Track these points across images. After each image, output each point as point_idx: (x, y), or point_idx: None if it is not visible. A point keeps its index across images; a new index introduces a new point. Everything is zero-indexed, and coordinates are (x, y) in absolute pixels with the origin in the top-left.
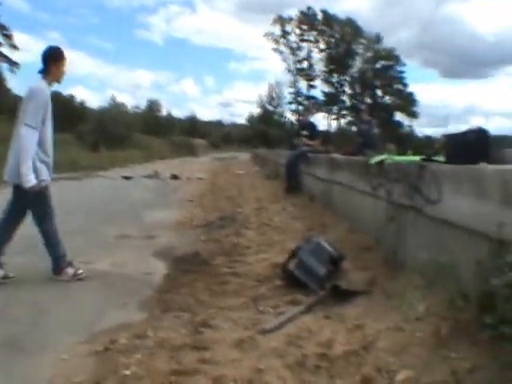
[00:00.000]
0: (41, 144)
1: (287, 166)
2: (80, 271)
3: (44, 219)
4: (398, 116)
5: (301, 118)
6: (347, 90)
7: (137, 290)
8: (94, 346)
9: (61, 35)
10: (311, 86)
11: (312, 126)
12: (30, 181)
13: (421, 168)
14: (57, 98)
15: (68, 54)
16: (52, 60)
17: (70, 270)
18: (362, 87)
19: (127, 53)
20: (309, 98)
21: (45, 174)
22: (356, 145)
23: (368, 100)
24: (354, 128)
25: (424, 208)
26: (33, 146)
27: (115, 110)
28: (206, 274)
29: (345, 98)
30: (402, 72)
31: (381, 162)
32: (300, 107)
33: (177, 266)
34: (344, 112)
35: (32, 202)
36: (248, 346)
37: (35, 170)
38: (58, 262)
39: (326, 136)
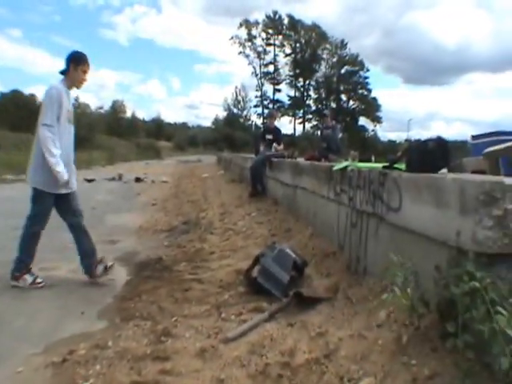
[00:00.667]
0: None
1: (252, 170)
2: (39, 280)
3: (35, 221)
4: (362, 121)
5: (266, 122)
6: (312, 94)
7: (97, 297)
8: (52, 358)
9: (22, 33)
10: (277, 90)
11: (277, 131)
12: (63, 174)
13: (382, 176)
14: (17, 97)
15: (29, 52)
16: (73, 63)
17: (29, 278)
18: (327, 92)
19: (91, 52)
20: (274, 101)
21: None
22: (320, 149)
23: (333, 104)
24: (318, 132)
25: (385, 215)
26: (54, 142)
27: (78, 111)
28: (168, 281)
29: (310, 102)
30: (366, 78)
31: (344, 169)
32: (266, 110)
33: (139, 272)
34: (309, 116)
35: (35, 201)
36: (210, 355)
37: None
38: (21, 266)
39: (290, 140)
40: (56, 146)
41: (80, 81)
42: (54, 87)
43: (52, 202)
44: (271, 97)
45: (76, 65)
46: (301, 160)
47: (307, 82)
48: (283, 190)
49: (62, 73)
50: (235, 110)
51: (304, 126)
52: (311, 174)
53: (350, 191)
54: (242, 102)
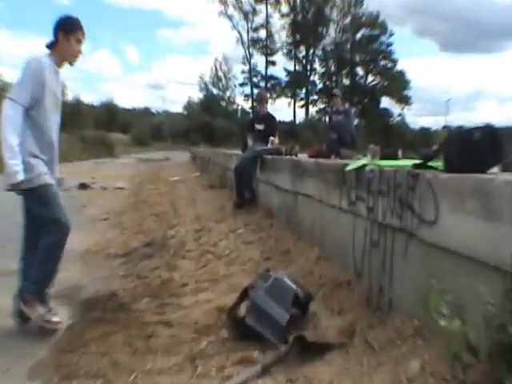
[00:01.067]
0: (34, 135)
1: (238, 172)
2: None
3: (50, 231)
4: (386, 102)
5: (255, 106)
6: (318, 67)
7: (27, 349)
8: None
9: None
10: (271, 63)
11: (270, 119)
12: (16, 171)
13: (413, 177)
14: None
15: None
16: (63, 32)
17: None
18: (337, 64)
19: (19, 14)
20: (267, 78)
21: (41, 169)
22: (328, 142)
23: (345, 81)
24: (326, 119)
25: (417, 230)
26: (16, 123)
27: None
28: (125, 324)
29: (315, 78)
30: (389, 44)
31: (361, 169)
32: (256, 91)
33: (85, 314)
34: (314, 97)
35: (31, 206)
36: None
37: (24, 163)
38: (34, 289)
39: (290, 130)
40: (15, 131)
41: (74, 54)
42: (35, 59)
43: None
44: (263, 72)
45: (67, 33)
46: (303, 157)
47: (311, 51)
48: (280, 198)
49: (49, 46)
50: (214, 91)
51: (307, 111)
52: (317, 177)
53: (370, 199)
54: (223, 80)
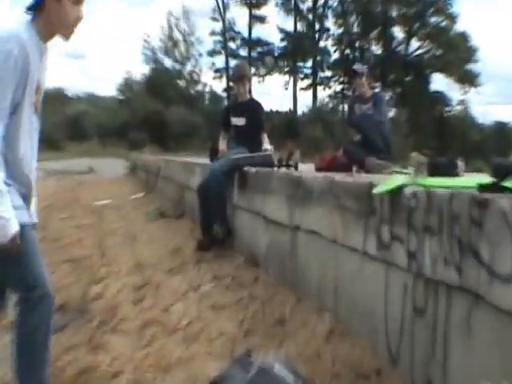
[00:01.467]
0: (10, 149)
1: (204, 194)
2: None
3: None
4: (439, 82)
5: (232, 89)
6: (332, 27)
7: None
8: None
9: None
10: (257, 20)
11: (253, 109)
12: (5, 224)
13: (480, 206)
14: None
15: None
16: None
17: None
18: (362, 22)
19: None
20: (252, 43)
21: (19, 212)
22: (347, 147)
23: (375, 50)
24: (344, 108)
25: (487, 290)
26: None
27: None
28: None
29: (327, 44)
30: None
31: (398, 192)
32: (233, 63)
33: None
34: (326, 74)
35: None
36: None
37: None
38: None
39: (287, 126)
40: None
41: (70, 20)
42: (13, 36)
43: None
44: (245, 33)
45: None
46: (308, 170)
47: (321, 0)
48: (270, 236)
49: (31, 10)
50: (167, 63)
51: (315, 96)
52: (329, 203)
53: (412, 240)
54: (181, 46)
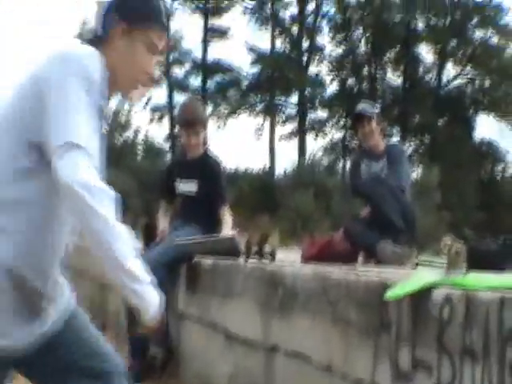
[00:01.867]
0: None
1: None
2: None
3: None
4: (487, 127)
5: (178, 135)
6: (327, 43)
7: None
8: None
9: None
10: (216, 34)
11: (210, 169)
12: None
13: None
14: None
15: None
16: (129, 21)
17: None
18: (373, 36)
19: None
20: (208, 68)
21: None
22: (351, 226)
23: (392, 78)
24: (346, 168)
25: None
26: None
27: None
28: None
29: (321, 68)
30: None
31: (423, 296)
32: (182, 99)
33: None
34: (318, 114)
35: None
36: None
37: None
38: None
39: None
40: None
41: (138, 72)
42: (92, 59)
43: None
44: (198, 55)
45: (137, 24)
46: (290, 261)
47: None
48: (234, 360)
49: (95, 41)
50: None
51: (302, 148)
52: (321, 311)
53: (443, 367)
54: None
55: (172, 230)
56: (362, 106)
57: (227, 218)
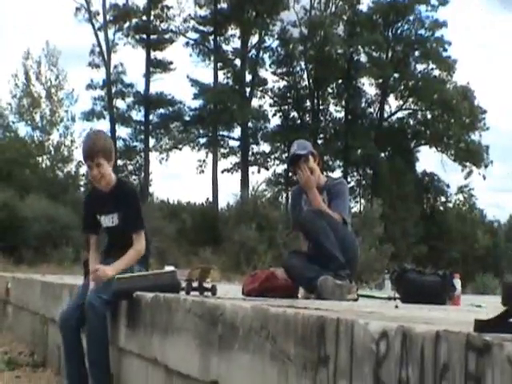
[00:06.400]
0: None
1: (70, 333)
2: None
3: None
4: (429, 160)
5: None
6: (269, 76)
7: None
8: None
9: None
10: (159, 66)
11: (126, 196)
12: None
13: (478, 353)
14: None
15: None
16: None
17: None
18: (316, 69)
19: None
20: (151, 101)
21: None
22: (290, 261)
23: (335, 113)
24: (287, 203)
25: None
26: None
27: None
28: None
29: (263, 101)
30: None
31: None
32: (123, 132)
33: None
34: (261, 147)
35: None
36: None
37: None
38: None
39: (204, 228)
40: None
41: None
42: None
43: None
44: (140, 88)
45: None
46: (231, 296)
47: (254, 37)
48: None
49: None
50: (22, 130)
51: (245, 181)
52: (261, 347)
53: None
54: (44, 104)
55: (96, 270)
56: (296, 147)
57: (142, 243)
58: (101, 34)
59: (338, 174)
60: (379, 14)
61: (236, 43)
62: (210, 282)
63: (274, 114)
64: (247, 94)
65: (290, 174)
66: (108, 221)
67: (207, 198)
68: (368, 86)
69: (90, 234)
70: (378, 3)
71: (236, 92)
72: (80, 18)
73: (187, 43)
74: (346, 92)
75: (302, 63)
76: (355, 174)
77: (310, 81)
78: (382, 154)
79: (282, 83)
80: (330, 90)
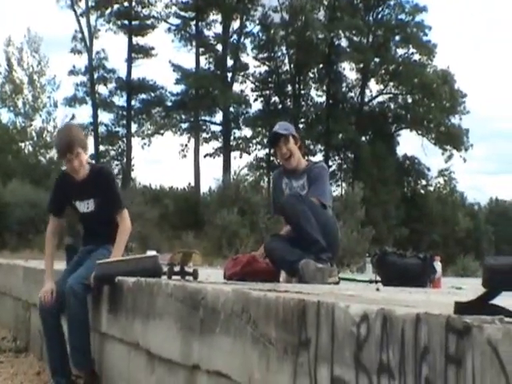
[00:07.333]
0: None
1: (50, 318)
2: None
3: None
4: (410, 144)
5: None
6: (251, 61)
7: None
8: None
9: None
10: (140, 52)
11: (102, 181)
12: None
13: (458, 336)
14: None
15: None
16: None
17: None
18: (297, 54)
19: None
20: (133, 86)
21: None
22: (271, 244)
23: (316, 98)
24: (269, 185)
25: None
26: None
27: None
28: None
29: (245, 86)
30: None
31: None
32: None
33: None
34: (243, 132)
35: None
36: None
37: None
38: None
39: (186, 212)
40: None
41: None
42: None
43: None
44: (122, 74)
45: None
46: (212, 280)
47: (235, 22)
48: (155, 379)
49: None
50: (4, 116)
51: (227, 166)
52: (241, 330)
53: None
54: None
55: (86, 253)
56: (278, 127)
57: (127, 221)
58: (83, 20)
59: (319, 157)
60: None
61: (217, 28)
62: (191, 267)
63: (256, 99)
64: (229, 79)
65: (272, 158)
66: (84, 207)
67: (189, 183)
68: (349, 71)
69: (53, 216)
70: None
71: (217, 77)
72: (62, 5)
73: (169, 29)
74: (326, 77)
75: (283, 48)
76: (336, 158)
77: (291, 66)
78: (363, 138)
79: (264, 68)
80: (311, 75)
